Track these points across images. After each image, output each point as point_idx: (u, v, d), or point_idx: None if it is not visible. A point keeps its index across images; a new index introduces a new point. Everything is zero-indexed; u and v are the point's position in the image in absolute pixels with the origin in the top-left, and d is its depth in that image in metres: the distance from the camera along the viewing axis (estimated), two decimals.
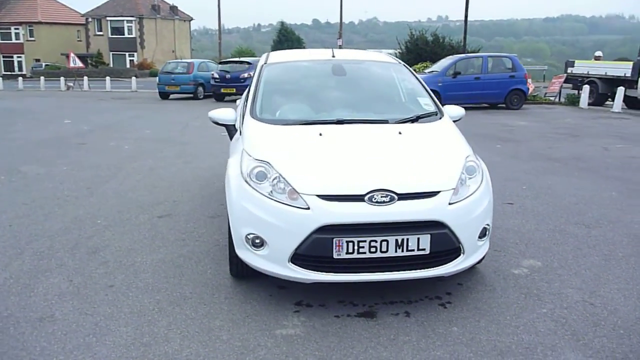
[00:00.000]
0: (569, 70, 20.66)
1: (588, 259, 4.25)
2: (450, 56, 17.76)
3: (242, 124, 4.08)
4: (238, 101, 6.33)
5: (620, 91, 16.91)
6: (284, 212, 3.20)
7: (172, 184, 6.70)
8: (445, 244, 3.26)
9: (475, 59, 16.86)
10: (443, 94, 15.74)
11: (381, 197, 3.16)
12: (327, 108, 4.25)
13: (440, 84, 16.01)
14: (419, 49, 20.35)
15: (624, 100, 17.15)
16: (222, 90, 19.94)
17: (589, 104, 18.21)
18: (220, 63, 20.99)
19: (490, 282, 3.83)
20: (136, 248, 4.48)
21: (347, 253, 3.15)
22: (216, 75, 19.97)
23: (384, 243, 3.15)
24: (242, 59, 21.50)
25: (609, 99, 19.28)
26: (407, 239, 3.16)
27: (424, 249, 3.20)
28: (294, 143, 3.63)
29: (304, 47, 46.82)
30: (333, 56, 4.88)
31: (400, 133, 3.77)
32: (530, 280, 3.85)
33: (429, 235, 3.19)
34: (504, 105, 16.70)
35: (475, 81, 16.27)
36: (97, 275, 3.92)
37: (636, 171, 7.61)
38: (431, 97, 4.48)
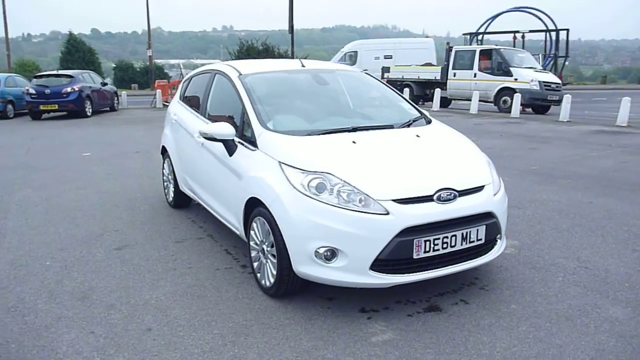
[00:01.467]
0: (386, 75, 22.94)
1: (547, 234, 4.99)
2: None
3: (254, 138, 3.88)
4: (174, 116, 5.85)
5: (438, 92, 19.39)
6: (362, 220, 3.20)
7: (92, 213, 5.93)
8: (494, 232, 3.60)
9: None
10: None
11: (446, 195, 3.37)
12: (333, 116, 4.28)
13: None
14: (253, 59, 20.49)
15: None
16: (41, 107, 17.73)
17: None
18: (36, 77, 18.60)
19: (496, 263, 4.27)
20: (131, 285, 3.96)
21: (425, 252, 3.29)
22: (32, 91, 17.66)
23: (453, 238, 3.37)
24: (62, 72, 19.30)
25: (421, 100, 21.93)
26: (470, 232, 3.43)
27: (480, 239, 3.50)
28: (338, 152, 3.61)
29: (97, 58, 43.28)
30: (303, 66, 4.89)
31: (418, 136, 4.00)
32: (524, 257, 4.41)
33: (484, 226, 3.50)
34: None
35: None
36: (118, 321, 3.40)
37: (503, 159, 8.93)
38: (408, 101, 4.80)
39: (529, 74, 17.70)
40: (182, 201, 5.96)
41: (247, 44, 21.71)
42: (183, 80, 6.15)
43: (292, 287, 3.56)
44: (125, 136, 12.87)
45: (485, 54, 18.90)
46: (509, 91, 17.74)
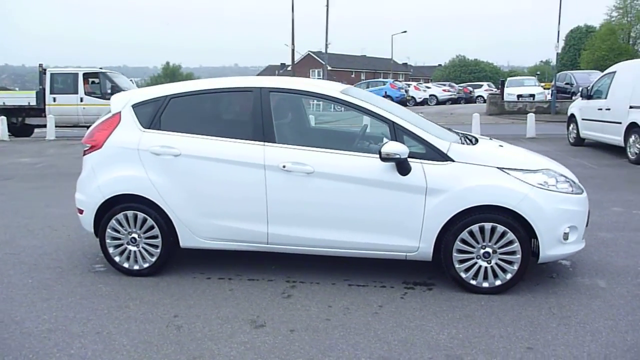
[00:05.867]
0: None
1: None
2: None
3: (441, 152, 3.97)
4: (172, 150, 4.25)
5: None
6: (583, 200, 4.12)
7: None
8: None
9: None
10: None
11: None
12: (431, 127, 4.64)
13: None
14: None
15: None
16: None
17: None
18: None
19: None
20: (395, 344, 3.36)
21: None
22: None
23: None
24: None
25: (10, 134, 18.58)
26: None
27: None
28: (515, 155, 4.34)
29: None
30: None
31: (501, 146, 4.95)
32: None
33: None
34: None
35: None
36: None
37: None
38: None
39: None
40: (165, 263, 4.55)
41: None
42: (131, 104, 4.52)
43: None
44: None
45: (88, 77, 18.03)
46: None
